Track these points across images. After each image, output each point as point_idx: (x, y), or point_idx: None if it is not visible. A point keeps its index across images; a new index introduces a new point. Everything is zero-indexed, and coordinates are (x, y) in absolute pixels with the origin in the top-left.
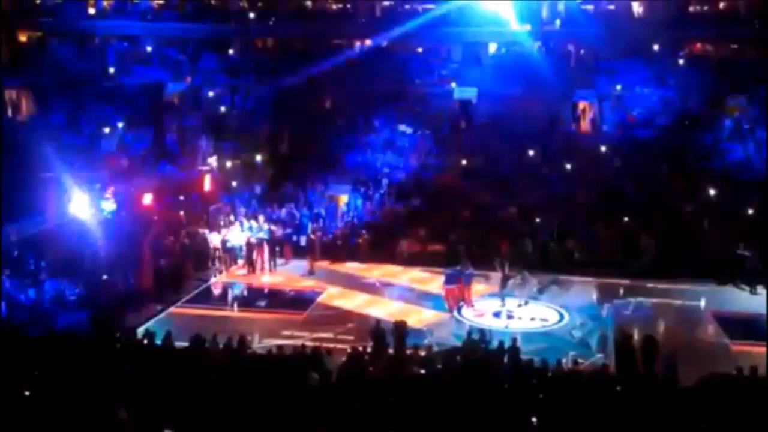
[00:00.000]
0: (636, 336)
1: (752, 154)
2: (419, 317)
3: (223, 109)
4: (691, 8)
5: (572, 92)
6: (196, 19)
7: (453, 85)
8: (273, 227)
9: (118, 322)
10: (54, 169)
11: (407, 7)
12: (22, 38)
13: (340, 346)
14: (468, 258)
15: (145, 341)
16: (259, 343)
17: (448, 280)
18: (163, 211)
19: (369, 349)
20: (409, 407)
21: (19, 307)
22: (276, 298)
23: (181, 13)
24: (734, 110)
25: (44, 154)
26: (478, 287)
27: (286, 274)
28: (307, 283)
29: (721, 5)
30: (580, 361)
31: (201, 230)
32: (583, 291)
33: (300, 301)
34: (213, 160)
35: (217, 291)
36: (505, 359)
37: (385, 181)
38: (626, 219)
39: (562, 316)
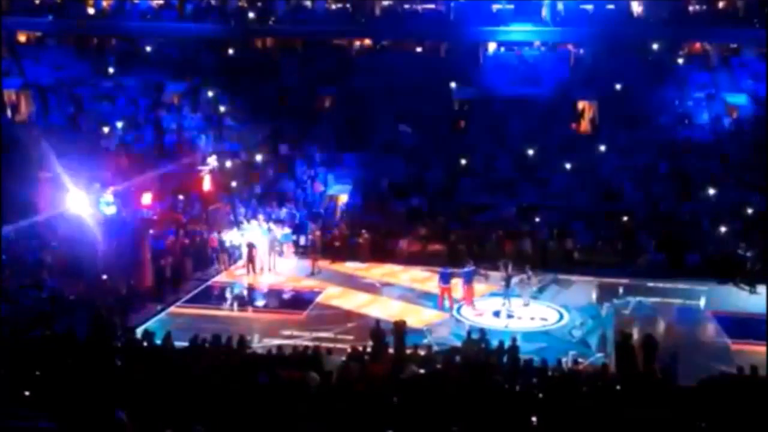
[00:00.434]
0: (636, 335)
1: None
2: (419, 317)
3: (222, 109)
4: (690, 8)
5: (572, 92)
6: (196, 19)
7: (453, 85)
8: (273, 227)
9: (118, 322)
10: (54, 169)
11: (407, 7)
12: (22, 38)
13: (339, 345)
14: (469, 257)
15: (145, 342)
16: (259, 343)
17: (443, 279)
18: (163, 210)
19: (369, 349)
20: (409, 407)
21: (19, 307)
22: (276, 298)
23: (181, 13)
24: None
25: (44, 154)
26: (478, 287)
27: (285, 274)
28: (307, 283)
29: (721, 5)
30: (580, 360)
31: (201, 230)
32: (583, 290)
33: (299, 300)
34: (213, 160)
35: (216, 291)
36: (505, 359)
37: (385, 181)
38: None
39: (561, 316)
